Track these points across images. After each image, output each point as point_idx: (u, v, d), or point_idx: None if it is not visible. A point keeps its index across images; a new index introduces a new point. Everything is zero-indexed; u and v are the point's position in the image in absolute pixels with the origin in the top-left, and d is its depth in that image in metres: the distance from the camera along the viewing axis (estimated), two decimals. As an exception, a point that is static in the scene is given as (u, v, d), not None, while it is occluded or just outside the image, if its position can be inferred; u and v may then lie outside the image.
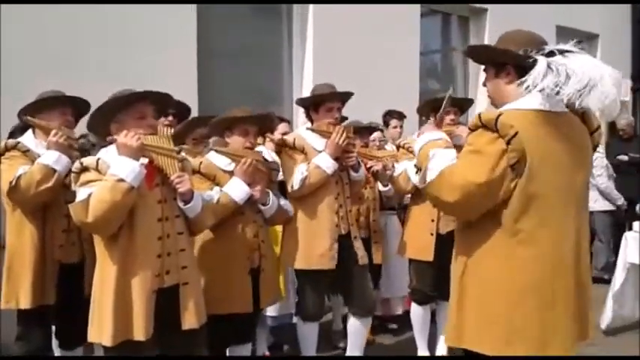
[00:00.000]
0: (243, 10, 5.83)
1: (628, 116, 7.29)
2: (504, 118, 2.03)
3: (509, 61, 2.17)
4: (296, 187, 3.46)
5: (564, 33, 7.78)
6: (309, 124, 3.73)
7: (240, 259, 3.18)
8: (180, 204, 2.64)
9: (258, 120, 3.32)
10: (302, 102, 3.80)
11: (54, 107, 3.09)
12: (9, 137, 3.23)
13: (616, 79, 2.05)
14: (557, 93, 2.00)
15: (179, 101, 3.61)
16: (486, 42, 7.02)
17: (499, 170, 2.02)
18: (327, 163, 3.45)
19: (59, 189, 2.95)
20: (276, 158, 3.65)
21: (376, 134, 4.61)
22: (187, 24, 5.12)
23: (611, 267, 6.09)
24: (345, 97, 3.62)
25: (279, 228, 3.80)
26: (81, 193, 2.41)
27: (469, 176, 2.04)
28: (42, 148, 3.00)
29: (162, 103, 2.72)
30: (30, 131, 3.12)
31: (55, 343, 3.23)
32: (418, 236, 3.85)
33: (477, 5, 7.61)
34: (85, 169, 2.47)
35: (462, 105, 4.05)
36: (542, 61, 2.03)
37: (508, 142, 2.01)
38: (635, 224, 4.83)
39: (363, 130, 4.38)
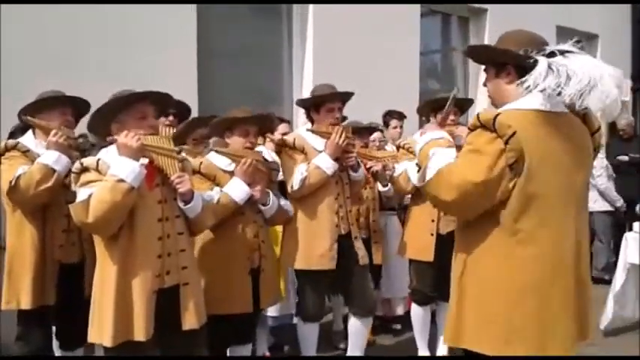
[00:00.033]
0: (243, 10, 5.82)
1: (628, 116, 7.29)
2: (502, 118, 2.04)
3: (510, 61, 2.17)
4: (296, 187, 3.46)
5: (564, 33, 7.77)
6: (309, 125, 3.73)
7: (240, 260, 3.18)
8: (181, 204, 2.64)
9: (258, 120, 3.32)
10: (302, 103, 3.79)
11: (54, 107, 3.09)
12: (9, 137, 3.23)
13: (617, 79, 2.05)
14: (559, 94, 2.00)
15: (179, 101, 3.61)
16: (486, 42, 7.01)
17: (497, 170, 2.02)
18: (326, 164, 3.45)
19: (59, 189, 2.94)
20: (277, 158, 3.65)
21: (376, 134, 4.61)
22: (187, 24, 5.12)
23: (611, 267, 6.09)
24: (346, 97, 3.62)
25: (279, 228, 3.80)
26: (81, 194, 2.41)
27: (467, 175, 2.04)
28: (42, 148, 3.00)
29: (162, 103, 2.72)
30: (30, 131, 3.12)
31: (55, 343, 3.23)
32: (418, 236, 3.85)
33: (477, 5, 7.61)
34: (85, 169, 2.47)
35: (462, 105, 4.05)
36: (542, 61, 2.03)
37: (506, 142, 2.01)
38: (636, 225, 4.83)
39: (363, 131, 4.38)
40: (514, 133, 2.00)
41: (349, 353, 3.73)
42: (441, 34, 7.86)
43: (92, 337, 2.50)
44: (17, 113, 3.10)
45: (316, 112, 3.60)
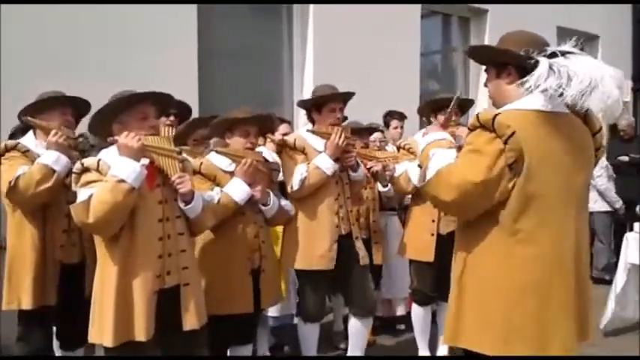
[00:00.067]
0: (243, 10, 5.82)
1: (629, 117, 7.29)
2: (501, 118, 2.04)
3: (511, 62, 2.17)
4: (295, 187, 3.46)
5: (565, 34, 7.72)
6: (309, 125, 3.72)
7: (240, 260, 3.18)
8: (181, 204, 2.64)
9: (258, 121, 3.32)
10: (303, 104, 3.79)
11: (54, 107, 3.08)
12: (10, 138, 3.23)
13: (618, 80, 2.05)
14: (560, 94, 2.00)
15: (180, 101, 3.61)
16: (487, 43, 7.01)
17: (496, 170, 2.03)
18: (326, 164, 3.45)
19: (59, 189, 2.94)
20: (277, 159, 3.65)
21: (376, 135, 4.61)
22: (188, 24, 5.12)
23: (611, 268, 6.09)
24: (347, 97, 3.62)
25: (279, 228, 3.80)
26: (82, 194, 2.41)
27: (466, 175, 2.05)
28: (42, 149, 3.00)
29: (163, 104, 2.72)
30: (31, 132, 3.12)
31: (55, 344, 3.23)
32: (418, 237, 3.85)
33: (478, 6, 7.60)
34: (85, 169, 2.47)
35: (463, 106, 4.05)
36: (543, 62, 2.03)
37: (505, 142, 2.01)
38: (636, 225, 4.83)
39: (363, 131, 4.39)
40: (513, 133, 2.00)
41: (349, 354, 3.73)
42: (441, 34, 7.86)
43: (93, 337, 2.50)
44: (17, 114, 3.10)
45: (317, 112, 3.60)
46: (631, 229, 5.00)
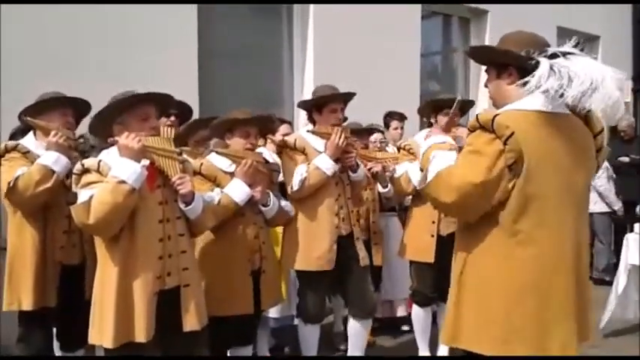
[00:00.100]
0: (243, 10, 5.82)
1: (629, 117, 7.28)
2: (500, 119, 2.04)
3: (511, 63, 2.17)
4: (295, 188, 3.45)
5: (565, 34, 7.76)
6: (310, 126, 3.72)
7: (241, 261, 3.18)
8: (182, 205, 2.64)
9: (258, 122, 3.31)
10: (304, 104, 3.78)
11: (54, 108, 3.08)
12: (10, 139, 3.23)
13: (619, 81, 2.05)
14: (561, 95, 1.99)
15: (181, 102, 3.60)
16: (487, 43, 7.01)
17: (496, 170, 2.03)
18: (326, 165, 3.44)
19: (58, 190, 2.94)
20: (277, 159, 3.65)
21: (376, 135, 4.61)
22: (188, 24, 5.11)
23: (612, 268, 6.09)
24: (348, 97, 3.62)
25: (279, 229, 3.79)
26: (82, 195, 2.41)
27: (466, 177, 2.05)
28: (42, 150, 2.99)
29: (163, 104, 2.72)
30: (31, 133, 3.11)
31: (56, 345, 3.22)
32: (418, 237, 3.84)
33: (478, 6, 7.60)
34: (86, 170, 2.47)
35: (463, 107, 4.04)
36: (544, 62, 2.03)
37: (505, 143, 2.01)
38: (636, 226, 4.83)
39: (363, 132, 4.38)
40: (512, 134, 2.00)
41: (349, 355, 3.72)
42: (441, 35, 7.85)
43: (93, 338, 2.50)
44: (18, 115, 3.10)
45: (318, 113, 3.59)
46: (631, 230, 4.99)
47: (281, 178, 3.59)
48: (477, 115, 2.11)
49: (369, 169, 4.07)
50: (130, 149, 2.42)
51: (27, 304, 2.93)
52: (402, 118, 5.22)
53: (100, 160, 2.48)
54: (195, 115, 4.11)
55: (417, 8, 6.89)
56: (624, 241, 4.81)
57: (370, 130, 4.56)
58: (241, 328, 3.21)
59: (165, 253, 2.55)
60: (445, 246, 3.43)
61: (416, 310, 4.04)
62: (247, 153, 3.24)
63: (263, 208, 3.28)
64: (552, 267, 2.07)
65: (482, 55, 2.45)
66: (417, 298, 4.00)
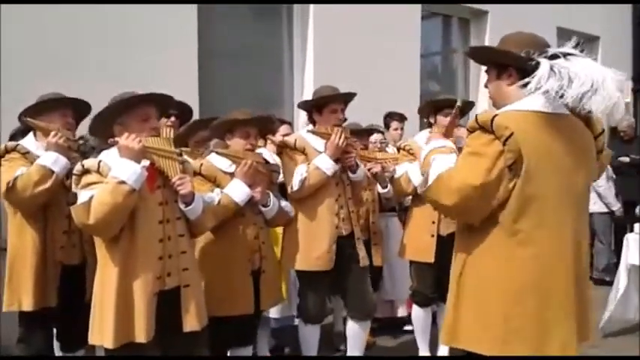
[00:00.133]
0: (243, 10, 5.82)
1: (629, 118, 7.29)
2: (500, 119, 2.04)
3: (511, 63, 2.17)
4: (295, 188, 3.45)
5: (565, 34, 7.77)
6: (310, 126, 3.72)
7: (241, 261, 3.18)
8: (182, 206, 2.63)
9: (258, 122, 3.31)
10: (304, 105, 3.78)
11: (54, 109, 3.08)
12: (10, 140, 3.23)
13: (619, 82, 2.05)
14: (561, 96, 1.99)
15: (181, 102, 3.61)
16: (487, 44, 7.02)
17: (496, 171, 2.03)
18: (326, 165, 3.44)
19: (57, 190, 2.94)
20: (278, 160, 3.65)
21: (376, 136, 4.61)
22: (188, 24, 5.11)
23: (612, 268, 6.09)
24: (349, 97, 3.62)
25: (279, 229, 3.79)
26: (82, 196, 2.41)
27: (467, 178, 2.04)
28: (42, 150, 2.99)
29: (163, 105, 2.72)
30: (31, 134, 3.11)
31: (56, 345, 3.22)
32: (418, 238, 3.84)
33: (478, 7, 7.60)
34: (86, 171, 2.47)
35: (464, 108, 4.02)
36: (544, 63, 2.03)
37: (504, 143, 2.01)
38: (636, 226, 4.83)
39: (362, 132, 4.38)
40: (511, 134, 2.00)
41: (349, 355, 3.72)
42: (441, 35, 7.85)
43: (93, 338, 2.50)
44: (18, 116, 3.10)
45: (319, 113, 3.59)
46: (631, 230, 4.99)
47: (281, 178, 3.59)
48: (476, 116, 2.11)
49: (369, 170, 4.07)
50: (130, 150, 2.42)
51: (27, 305, 2.93)
52: (402, 118, 5.22)
53: (100, 161, 2.48)
54: (195, 116, 4.11)
55: (416, 9, 6.89)
56: (624, 241, 4.81)
57: (370, 131, 4.56)
58: (241, 328, 3.21)
59: (165, 254, 2.55)
60: (445, 246, 3.43)
61: (416, 310, 4.04)
62: (247, 153, 3.24)
63: (263, 209, 3.28)
64: (552, 267, 2.07)
65: (482, 55, 2.45)
66: (417, 298, 4.00)
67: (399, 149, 4.20)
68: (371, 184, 4.27)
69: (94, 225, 2.36)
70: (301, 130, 4.33)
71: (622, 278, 4.67)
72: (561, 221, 2.09)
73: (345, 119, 3.70)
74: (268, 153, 3.70)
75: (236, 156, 3.21)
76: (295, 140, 3.58)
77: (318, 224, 3.50)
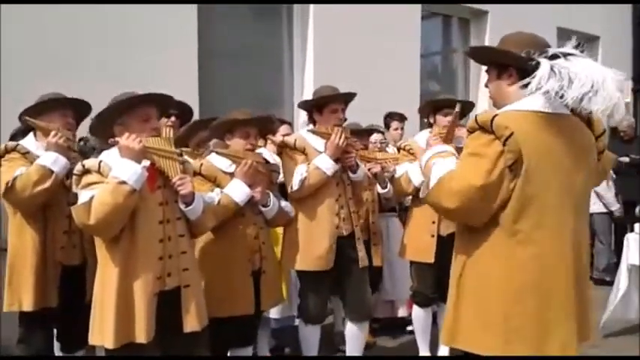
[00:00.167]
0: (243, 10, 5.82)
1: (629, 118, 7.28)
2: (499, 120, 2.03)
3: (512, 63, 2.16)
4: (295, 187, 3.45)
5: (565, 34, 7.75)
6: (310, 126, 3.71)
7: (241, 261, 3.17)
8: (182, 206, 2.63)
9: (258, 122, 3.31)
10: (305, 105, 3.78)
11: (55, 109, 3.07)
12: (11, 140, 3.23)
13: (619, 83, 2.04)
14: (562, 96, 1.99)
15: (181, 102, 3.60)
16: (487, 44, 7.02)
17: (497, 172, 2.02)
18: (326, 164, 3.44)
19: (57, 190, 2.94)
20: (278, 160, 3.65)
21: (376, 136, 4.60)
22: (188, 24, 5.11)
23: (612, 268, 6.09)
24: (349, 97, 3.62)
25: (280, 230, 3.79)
26: (83, 196, 2.42)
27: (468, 180, 2.04)
28: (42, 150, 2.99)
29: (164, 105, 2.72)
30: (31, 134, 3.11)
31: (56, 345, 3.22)
32: (418, 238, 3.84)
33: (478, 7, 7.60)
34: (86, 171, 2.47)
35: (463, 108, 4.02)
36: (545, 63, 2.03)
37: (504, 143, 2.01)
38: (636, 226, 4.83)
39: (362, 132, 4.38)
40: (511, 134, 2.00)
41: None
42: (441, 35, 7.86)
43: (93, 339, 2.50)
44: (18, 116, 3.10)
45: (319, 113, 3.59)
46: (631, 230, 4.99)
47: (281, 178, 3.58)
48: (475, 117, 2.11)
49: (369, 170, 4.06)
50: (130, 150, 2.42)
51: (27, 305, 2.93)
52: (402, 118, 5.22)
53: (100, 161, 2.48)
54: (195, 116, 4.11)
55: (416, 8, 6.89)
56: (625, 241, 4.81)
57: (370, 131, 4.56)
58: (242, 328, 3.21)
59: (165, 254, 2.55)
60: (445, 246, 3.43)
61: (416, 310, 4.04)
62: (247, 153, 3.23)
63: (263, 209, 3.28)
64: (552, 267, 2.06)
65: (482, 55, 2.45)
66: (418, 298, 4.00)
67: (399, 149, 4.20)
68: (371, 184, 4.27)
69: (94, 225, 2.36)
70: (301, 129, 4.33)
71: (623, 278, 4.67)
72: (561, 221, 2.08)
73: (345, 119, 3.70)
74: (268, 153, 3.70)
75: (236, 156, 3.21)
76: (295, 140, 3.58)
77: (318, 224, 3.50)
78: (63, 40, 4.44)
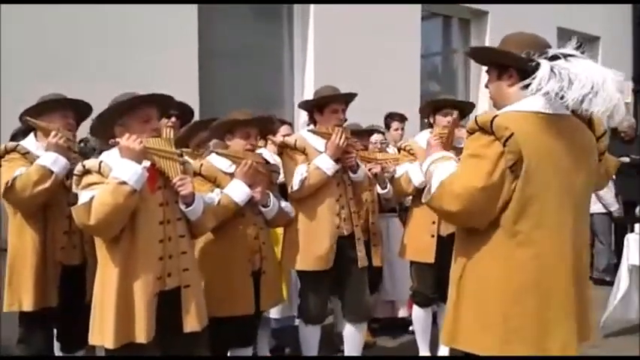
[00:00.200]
0: (244, 10, 5.82)
1: (629, 118, 7.28)
2: (499, 120, 2.03)
3: (512, 64, 2.16)
4: (295, 187, 3.45)
5: (565, 35, 7.78)
6: (311, 126, 3.71)
7: (241, 262, 3.17)
8: (182, 207, 2.64)
9: (259, 123, 3.31)
10: (305, 105, 3.78)
11: (55, 110, 3.07)
12: (11, 140, 3.23)
13: (619, 83, 2.04)
14: (562, 97, 1.99)
15: (182, 103, 3.60)
16: (487, 44, 7.02)
17: (498, 173, 2.02)
18: (327, 165, 3.44)
19: (57, 190, 2.94)
20: (278, 160, 3.65)
21: (376, 136, 4.60)
22: (188, 24, 5.11)
23: (612, 269, 6.09)
24: (350, 98, 3.62)
25: (280, 230, 3.79)
26: (83, 196, 2.42)
27: (469, 182, 2.03)
28: (42, 151, 2.99)
29: (164, 105, 2.72)
30: (32, 134, 3.11)
31: (56, 345, 3.22)
32: (418, 238, 3.84)
33: (478, 7, 7.60)
34: (87, 171, 2.47)
35: (463, 109, 4.03)
36: (545, 64, 2.03)
37: (504, 144, 2.00)
38: (637, 226, 4.83)
39: (363, 133, 4.38)
40: (512, 135, 2.00)
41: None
42: (441, 36, 7.86)
43: (93, 339, 2.50)
44: (19, 116, 3.10)
45: (319, 113, 3.59)
46: (632, 231, 4.99)
47: (281, 179, 3.58)
48: (475, 118, 2.10)
49: (369, 170, 4.06)
50: (131, 150, 2.42)
51: (27, 305, 2.93)
52: (402, 119, 5.22)
53: (101, 162, 2.48)
54: (196, 116, 4.11)
55: (417, 9, 6.90)
56: (625, 242, 4.81)
57: (370, 131, 4.56)
58: (242, 328, 3.21)
59: (165, 254, 2.55)
60: (445, 246, 3.43)
61: (416, 310, 4.04)
62: (247, 154, 3.23)
63: (263, 209, 3.28)
64: (552, 267, 2.06)
65: (482, 56, 2.45)
66: (418, 298, 4.00)
67: (399, 149, 4.20)
68: (371, 184, 4.27)
69: (94, 225, 2.36)
70: (302, 130, 4.33)
71: (623, 279, 4.67)
72: (561, 222, 2.08)
73: (346, 119, 3.70)
74: (269, 153, 3.70)
75: (236, 156, 3.21)
76: (295, 140, 3.58)
77: (318, 224, 3.50)
78: (63, 40, 4.44)
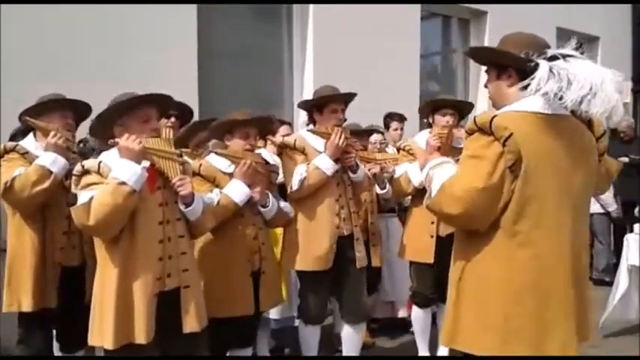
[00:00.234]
0: (243, 10, 5.82)
1: (629, 118, 7.29)
2: (498, 120, 2.03)
3: (511, 64, 2.16)
4: (295, 187, 3.45)
5: (564, 35, 7.78)
6: (310, 126, 3.71)
7: (240, 262, 3.17)
8: (182, 207, 2.63)
9: (258, 123, 3.31)
10: (305, 105, 3.78)
11: (54, 110, 3.07)
12: (10, 140, 3.23)
13: (618, 84, 2.04)
14: (561, 98, 1.99)
15: (181, 103, 3.60)
16: (487, 44, 7.02)
17: (498, 173, 2.02)
18: (326, 165, 3.44)
19: (56, 190, 2.94)
20: (277, 160, 3.64)
21: (376, 136, 4.60)
22: (188, 24, 5.12)
23: (611, 269, 6.08)
24: (349, 98, 3.62)
25: (279, 230, 3.79)
26: (82, 196, 2.41)
27: (470, 183, 2.03)
28: (42, 151, 2.99)
29: (164, 105, 2.72)
30: (31, 134, 3.11)
31: (56, 346, 3.22)
32: (418, 238, 3.84)
33: (477, 7, 7.60)
34: (86, 172, 2.47)
35: (463, 109, 4.03)
36: (544, 65, 2.03)
37: (504, 144, 2.00)
38: (636, 226, 4.83)
39: (362, 133, 4.38)
40: (511, 135, 1.99)
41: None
42: (441, 36, 7.86)
43: (93, 339, 2.50)
44: (18, 116, 3.10)
45: (319, 113, 3.59)
46: (631, 231, 4.99)
47: (281, 179, 3.58)
48: (474, 118, 2.10)
49: (369, 170, 4.06)
50: (130, 151, 2.42)
51: (27, 306, 2.93)
52: (401, 119, 5.22)
53: (100, 162, 2.48)
54: (195, 116, 4.11)
55: (416, 9, 6.90)
56: (624, 242, 4.81)
57: (370, 131, 4.56)
58: (241, 329, 3.21)
59: (165, 255, 2.55)
60: (444, 247, 3.42)
61: (416, 311, 4.04)
62: (246, 154, 3.23)
63: (262, 209, 3.28)
64: (550, 267, 2.06)
65: (482, 55, 2.44)
66: (417, 299, 4.00)
67: (398, 149, 4.20)
68: (370, 184, 4.26)
69: (94, 226, 2.36)
70: (301, 130, 4.33)
71: (622, 279, 4.67)
72: (560, 222, 2.08)
73: (345, 119, 3.70)
74: (268, 154, 3.70)
75: (235, 156, 3.21)
76: (295, 140, 3.58)
77: (318, 224, 3.50)
78: (63, 40, 4.45)
